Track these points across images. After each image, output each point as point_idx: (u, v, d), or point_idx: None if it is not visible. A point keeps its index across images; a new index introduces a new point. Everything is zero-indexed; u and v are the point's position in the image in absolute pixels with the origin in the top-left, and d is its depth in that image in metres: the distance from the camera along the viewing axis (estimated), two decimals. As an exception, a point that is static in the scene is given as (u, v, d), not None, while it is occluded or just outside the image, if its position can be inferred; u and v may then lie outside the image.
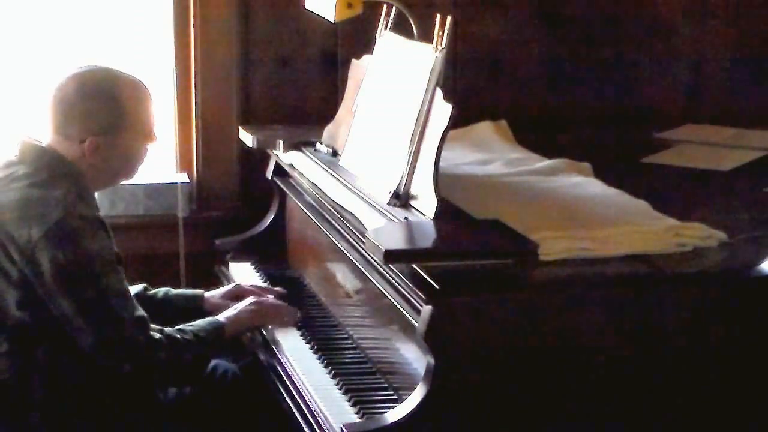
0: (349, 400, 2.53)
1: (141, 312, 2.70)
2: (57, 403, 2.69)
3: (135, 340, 2.67)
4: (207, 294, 3.12)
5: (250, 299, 2.99)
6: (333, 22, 3.23)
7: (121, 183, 3.02)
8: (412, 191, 2.64)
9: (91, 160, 2.73)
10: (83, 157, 2.73)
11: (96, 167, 2.75)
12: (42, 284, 2.62)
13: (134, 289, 3.04)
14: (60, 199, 2.64)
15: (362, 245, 2.61)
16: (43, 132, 2.76)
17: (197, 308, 3.06)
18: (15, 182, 2.69)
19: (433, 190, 2.54)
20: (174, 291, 3.12)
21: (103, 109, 2.73)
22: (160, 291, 3.10)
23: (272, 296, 3.10)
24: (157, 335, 2.71)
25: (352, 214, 2.75)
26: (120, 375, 2.71)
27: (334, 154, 3.14)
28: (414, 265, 2.36)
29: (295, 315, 2.96)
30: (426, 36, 2.87)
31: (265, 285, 3.24)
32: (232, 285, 3.19)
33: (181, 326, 2.80)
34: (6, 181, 2.71)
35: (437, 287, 2.27)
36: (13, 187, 2.69)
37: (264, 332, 2.95)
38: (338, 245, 2.86)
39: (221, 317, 2.89)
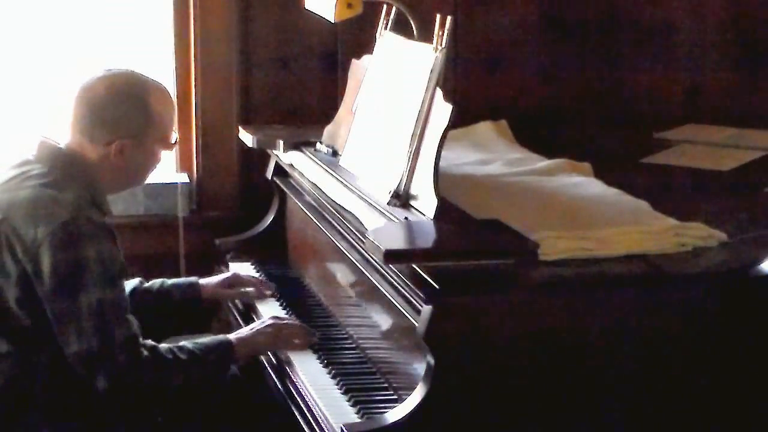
0: (349, 400, 2.53)
1: (133, 330, 2.64)
2: (59, 407, 2.67)
3: (117, 358, 2.60)
4: (202, 281, 3.13)
5: (267, 320, 2.88)
6: (333, 22, 3.23)
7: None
8: (412, 191, 2.64)
9: (115, 162, 2.73)
10: (106, 159, 2.72)
11: (116, 170, 2.74)
12: (41, 285, 2.60)
13: (130, 284, 3.03)
14: (70, 201, 2.63)
15: (362, 245, 2.61)
16: (65, 132, 2.75)
17: (195, 298, 3.08)
18: (28, 180, 2.68)
19: (433, 190, 2.54)
20: (169, 281, 3.11)
21: (133, 112, 2.73)
22: (156, 283, 3.09)
23: (292, 318, 3.01)
24: (145, 353, 2.63)
25: (352, 214, 2.75)
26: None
27: (334, 154, 3.14)
28: (414, 265, 2.36)
29: (312, 337, 2.86)
30: (426, 36, 2.87)
31: (259, 276, 3.26)
32: (230, 274, 3.21)
33: (181, 343, 2.73)
34: (20, 179, 2.70)
35: (437, 287, 2.27)
36: (25, 185, 2.67)
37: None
38: (338, 245, 2.86)
39: (232, 337, 2.80)
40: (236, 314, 3.19)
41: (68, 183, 2.67)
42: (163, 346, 2.69)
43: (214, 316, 3.41)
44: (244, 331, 2.86)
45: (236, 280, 3.19)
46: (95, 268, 2.60)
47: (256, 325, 2.87)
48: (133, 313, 2.82)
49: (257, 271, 3.41)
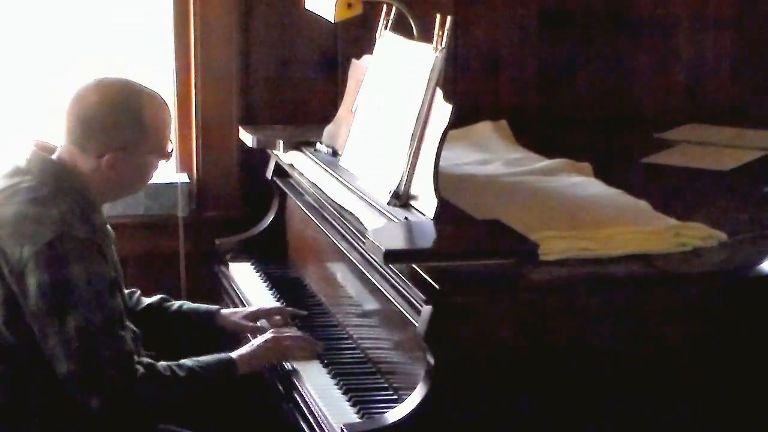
0: (349, 400, 2.53)
1: (126, 347, 2.58)
2: (54, 429, 2.63)
3: (109, 376, 2.55)
4: (224, 311, 3.01)
5: (267, 335, 2.81)
6: (333, 22, 3.23)
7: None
8: (412, 191, 2.64)
9: (107, 174, 2.67)
10: (97, 171, 2.67)
11: (109, 181, 2.69)
12: (28, 305, 2.56)
13: (152, 299, 3.01)
14: (56, 218, 2.57)
15: (362, 245, 2.61)
16: (58, 141, 2.71)
17: (209, 325, 2.97)
18: (16, 195, 2.63)
19: (433, 190, 2.54)
20: (189, 305, 3.02)
21: (125, 124, 2.67)
22: (176, 304, 3.01)
23: (293, 329, 2.92)
24: (141, 370, 2.58)
25: (352, 214, 2.74)
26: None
27: (334, 154, 3.14)
28: (414, 265, 2.36)
29: (315, 348, 2.80)
30: (426, 36, 2.87)
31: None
32: (254, 307, 3.04)
33: (182, 361, 2.67)
34: (8, 192, 2.64)
35: (437, 287, 2.27)
36: (13, 201, 2.62)
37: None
38: (338, 245, 2.86)
39: (234, 354, 2.74)
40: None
41: (57, 197, 2.62)
42: (162, 363, 2.64)
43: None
44: (245, 348, 2.78)
45: (260, 314, 3.00)
46: (82, 287, 2.54)
47: (256, 341, 2.80)
48: (146, 329, 2.79)
49: (257, 271, 3.41)
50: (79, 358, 2.54)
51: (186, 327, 2.96)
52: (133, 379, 2.57)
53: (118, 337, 2.58)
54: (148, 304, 2.99)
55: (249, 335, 2.93)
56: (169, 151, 2.78)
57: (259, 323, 2.98)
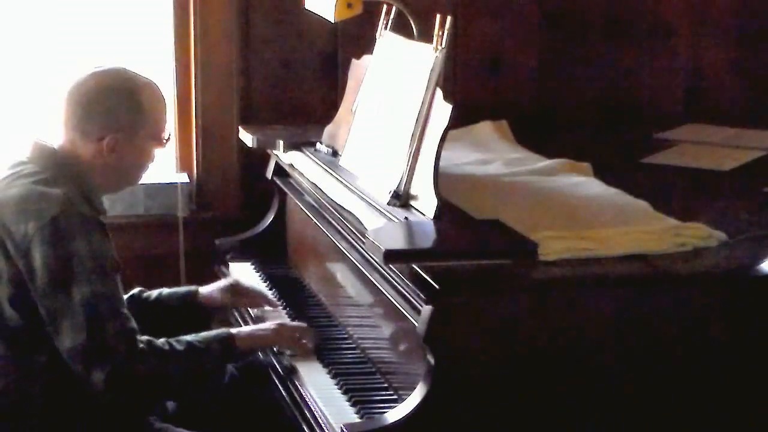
0: (349, 400, 2.53)
1: (130, 324, 2.61)
2: (58, 412, 2.64)
3: (113, 350, 2.56)
4: (202, 289, 3.07)
5: (274, 321, 2.89)
6: (333, 22, 3.23)
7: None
8: (412, 191, 2.64)
9: (108, 158, 2.71)
10: (99, 156, 2.71)
11: (109, 166, 2.73)
12: (33, 281, 2.58)
13: (130, 292, 3.01)
14: (60, 196, 2.61)
15: (362, 245, 2.61)
16: (57, 131, 2.74)
17: (191, 304, 3.03)
18: (20, 179, 2.67)
19: (433, 190, 2.54)
20: (167, 290, 3.07)
21: (124, 106, 2.72)
22: (154, 292, 3.05)
23: (280, 314, 3.02)
24: (141, 345, 2.60)
25: (352, 214, 2.74)
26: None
27: (334, 154, 3.14)
28: (414, 265, 2.36)
29: (316, 339, 2.84)
30: (426, 36, 2.87)
31: (263, 285, 3.19)
32: (230, 280, 3.14)
33: (180, 337, 2.70)
34: (12, 178, 2.69)
35: (437, 287, 2.27)
36: (17, 183, 2.67)
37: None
38: (338, 245, 2.86)
39: (233, 330, 2.78)
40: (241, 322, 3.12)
41: (59, 180, 2.66)
42: (160, 339, 2.66)
43: (212, 320, 3.33)
44: (247, 327, 2.86)
45: (236, 289, 3.09)
46: (86, 261, 2.57)
47: (261, 324, 2.88)
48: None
49: (257, 271, 3.41)
50: (85, 330, 2.55)
51: (168, 312, 3.00)
52: (136, 354, 2.59)
53: (121, 313, 2.61)
54: (129, 296, 2.99)
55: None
56: (166, 138, 2.81)
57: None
